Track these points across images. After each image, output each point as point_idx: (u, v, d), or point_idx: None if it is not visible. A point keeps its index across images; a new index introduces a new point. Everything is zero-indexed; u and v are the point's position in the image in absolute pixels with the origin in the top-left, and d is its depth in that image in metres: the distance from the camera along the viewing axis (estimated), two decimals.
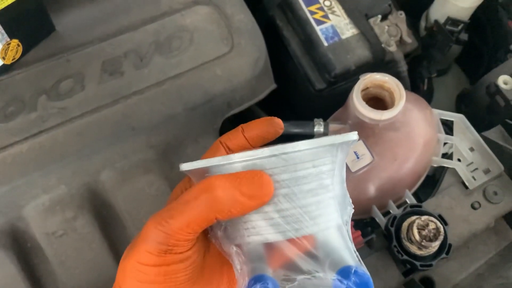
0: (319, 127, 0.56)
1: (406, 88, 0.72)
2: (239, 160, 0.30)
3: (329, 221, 0.32)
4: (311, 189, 0.31)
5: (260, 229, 0.31)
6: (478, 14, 0.78)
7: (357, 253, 0.32)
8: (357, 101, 0.54)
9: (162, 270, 0.30)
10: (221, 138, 0.37)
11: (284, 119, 0.77)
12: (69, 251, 0.54)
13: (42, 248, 0.54)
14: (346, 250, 0.32)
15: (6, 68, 0.55)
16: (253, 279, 0.30)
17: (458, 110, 0.80)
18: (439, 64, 0.80)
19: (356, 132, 0.32)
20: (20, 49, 0.56)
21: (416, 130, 0.56)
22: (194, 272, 0.32)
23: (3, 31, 0.52)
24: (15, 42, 0.55)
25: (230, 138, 0.36)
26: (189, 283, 0.32)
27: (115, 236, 0.57)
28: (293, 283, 0.31)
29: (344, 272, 0.30)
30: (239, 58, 0.61)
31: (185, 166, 0.32)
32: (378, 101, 0.58)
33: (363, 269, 0.30)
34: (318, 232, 0.31)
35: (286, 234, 0.31)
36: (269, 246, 0.32)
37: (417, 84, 0.82)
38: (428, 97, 0.84)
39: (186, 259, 0.31)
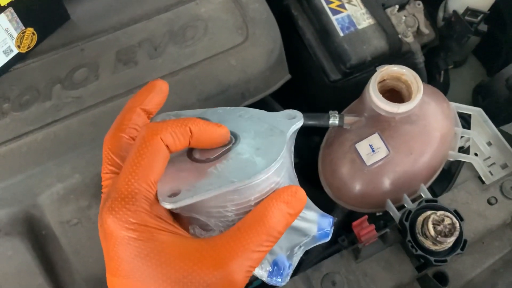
0: (334, 120, 0.55)
1: (423, 79, 0.71)
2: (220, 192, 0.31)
3: None
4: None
5: None
6: (498, 4, 0.76)
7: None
8: (373, 93, 0.53)
9: None
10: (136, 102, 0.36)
11: (298, 109, 0.77)
12: (83, 239, 0.55)
13: (56, 236, 0.54)
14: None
15: (21, 57, 0.56)
16: (272, 264, 0.33)
17: (474, 102, 0.79)
18: (456, 55, 0.79)
19: (301, 116, 0.37)
20: (35, 37, 0.56)
21: (433, 123, 0.55)
22: None
23: (18, 19, 0.52)
24: (30, 30, 0.55)
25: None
26: None
27: None
28: (299, 249, 0.35)
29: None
30: (254, 48, 0.61)
31: (173, 205, 0.31)
32: (394, 94, 0.57)
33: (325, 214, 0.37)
34: None
35: None
36: None
37: (433, 75, 0.81)
38: (444, 88, 0.83)
39: None
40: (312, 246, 0.36)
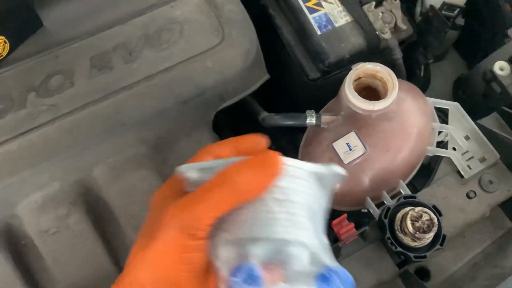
0: (311, 119, 0.55)
1: (401, 76, 0.71)
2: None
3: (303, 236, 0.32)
4: (298, 203, 0.32)
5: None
6: None
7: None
8: (349, 92, 0.53)
9: (187, 261, 0.31)
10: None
11: (279, 108, 0.76)
12: (63, 248, 0.54)
13: (36, 246, 0.54)
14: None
15: None
16: (237, 268, 0.30)
17: (455, 96, 0.79)
18: (435, 50, 0.79)
19: (340, 171, 0.34)
20: (7, 46, 0.55)
21: (410, 120, 0.55)
22: (202, 271, 0.33)
23: None
24: (1, 39, 0.54)
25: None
26: (199, 279, 0.32)
27: (108, 232, 0.57)
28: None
29: (324, 276, 0.30)
30: (230, 50, 0.60)
31: (185, 169, 0.33)
32: (371, 91, 0.57)
33: (340, 267, 0.32)
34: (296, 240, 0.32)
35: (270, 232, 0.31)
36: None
37: (413, 70, 0.81)
38: (425, 83, 0.83)
39: (202, 249, 0.32)
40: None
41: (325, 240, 0.33)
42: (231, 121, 0.79)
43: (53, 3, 0.59)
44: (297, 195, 0.33)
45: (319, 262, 0.31)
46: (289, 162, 0.33)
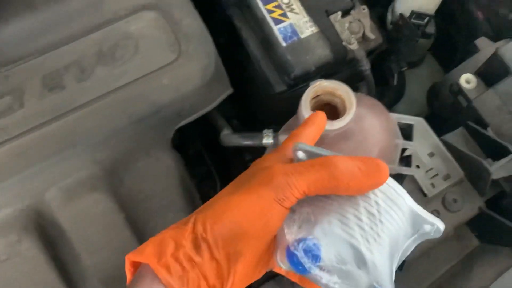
0: (267, 139, 0.53)
1: (369, 87, 0.69)
2: None
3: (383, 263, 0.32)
4: (387, 228, 0.32)
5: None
6: (450, 4, 0.75)
7: None
8: (305, 111, 0.51)
9: (265, 218, 0.32)
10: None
11: (245, 123, 0.74)
12: (14, 276, 0.53)
13: None
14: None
15: None
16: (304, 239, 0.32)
17: (429, 104, 0.77)
18: (408, 57, 0.77)
19: (441, 227, 0.34)
20: None
21: (370, 138, 0.53)
22: (270, 236, 0.33)
23: None
24: None
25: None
26: (265, 241, 0.33)
27: (63, 257, 0.55)
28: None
29: None
30: (187, 65, 0.59)
31: (298, 146, 0.35)
32: (332, 108, 0.55)
33: None
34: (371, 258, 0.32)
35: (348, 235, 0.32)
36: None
37: (387, 78, 0.79)
38: (399, 91, 0.81)
39: (281, 218, 0.33)
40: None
41: (393, 277, 0.33)
42: (200, 132, 0.78)
43: (3, 20, 0.57)
44: (389, 221, 0.32)
45: (379, 284, 0.32)
46: (394, 186, 0.33)
